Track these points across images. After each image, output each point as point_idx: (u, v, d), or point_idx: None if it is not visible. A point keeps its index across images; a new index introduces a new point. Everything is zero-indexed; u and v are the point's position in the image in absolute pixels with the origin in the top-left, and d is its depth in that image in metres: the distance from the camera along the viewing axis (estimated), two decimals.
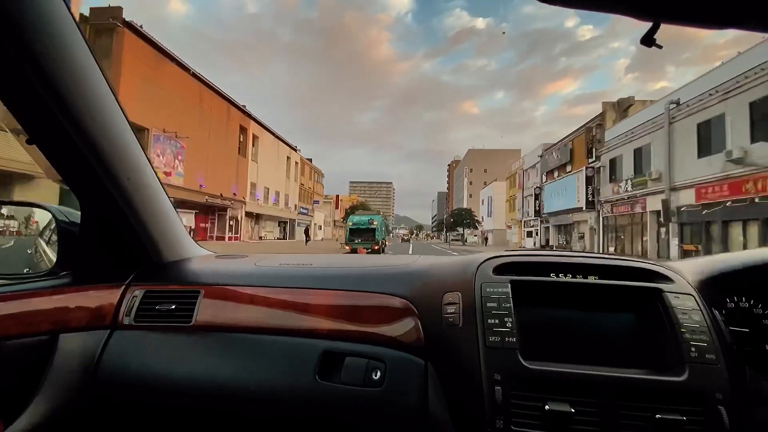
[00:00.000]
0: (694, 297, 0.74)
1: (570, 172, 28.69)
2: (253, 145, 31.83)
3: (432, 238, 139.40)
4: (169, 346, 0.85)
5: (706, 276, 0.79)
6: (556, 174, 31.89)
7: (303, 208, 43.54)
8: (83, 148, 0.76)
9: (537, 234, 35.25)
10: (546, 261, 0.83)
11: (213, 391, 0.79)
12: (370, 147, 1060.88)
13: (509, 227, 46.56)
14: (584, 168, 25.31)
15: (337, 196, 63.53)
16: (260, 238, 32.77)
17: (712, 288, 0.77)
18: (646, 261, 0.85)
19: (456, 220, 53.40)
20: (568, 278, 0.79)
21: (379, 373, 0.77)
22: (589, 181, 24.94)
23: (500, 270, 0.81)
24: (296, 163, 41.50)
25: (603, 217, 24.11)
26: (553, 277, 0.79)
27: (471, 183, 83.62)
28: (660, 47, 0.31)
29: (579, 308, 0.76)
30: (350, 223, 21.85)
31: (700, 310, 0.72)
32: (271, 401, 0.78)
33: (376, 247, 20.40)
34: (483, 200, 64.31)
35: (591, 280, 0.78)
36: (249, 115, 30.99)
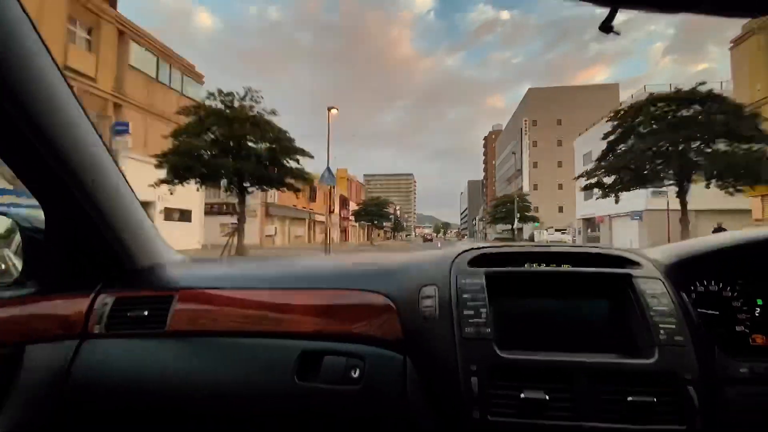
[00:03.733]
0: (662, 281, 0.75)
1: None
2: None
3: (463, 237, 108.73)
4: (142, 353, 0.83)
5: (673, 260, 0.80)
6: None
7: None
8: (42, 149, 0.72)
9: None
10: (520, 251, 0.86)
11: (189, 396, 0.78)
12: (393, 147, 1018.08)
13: None
14: None
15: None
16: None
17: (680, 272, 0.78)
18: (617, 248, 0.87)
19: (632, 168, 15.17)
20: (542, 267, 0.81)
21: (358, 371, 0.76)
22: None
23: (475, 262, 0.82)
24: None
25: None
26: (527, 267, 0.82)
27: (535, 144, 51.22)
28: (618, 33, 0.31)
29: (553, 297, 0.77)
30: None
31: (668, 293, 0.73)
32: (250, 404, 0.77)
33: None
34: (584, 156, 31.95)
35: (564, 268, 0.80)
36: None
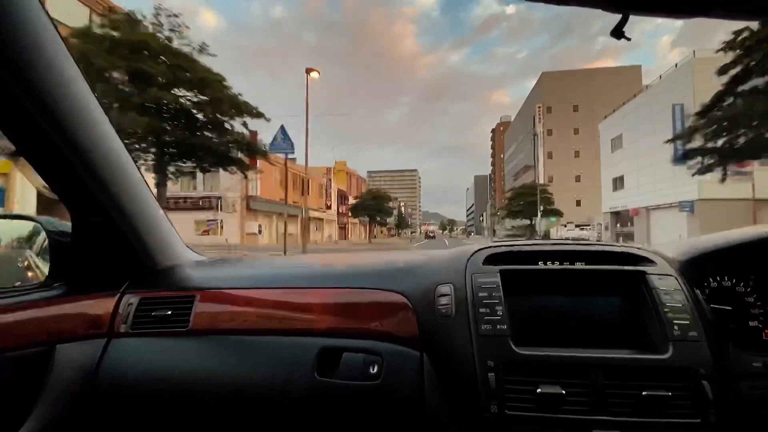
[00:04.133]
0: (675, 278, 0.76)
1: None
2: None
3: (469, 234, 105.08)
4: (167, 351, 0.86)
5: (686, 257, 0.81)
6: None
7: None
8: (70, 156, 0.75)
9: None
10: (534, 250, 0.86)
11: (213, 392, 0.81)
12: (397, 145, 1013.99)
13: None
14: None
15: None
16: None
17: (693, 268, 0.79)
18: (630, 246, 0.88)
19: None
20: (556, 265, 0.82)
21: (376, 367, 0.78)
22: None
23: (490, 260, 0.84)
24: None
25: None
26: (541, 265, 0.82)
27: (550, 132, 47.29)
28: (628, 39, 0.32)
29: (567, 294, 0.79)
30: None
31: (682, 290, 0.74)
32: (271, 400, 0.79)
33: None
34: (612, 140, 27.96)
35: (578, 266, 0.81)
36: None
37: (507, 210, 34.76)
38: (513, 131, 66.12)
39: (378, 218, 40.35)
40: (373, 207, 36.25)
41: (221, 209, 22.45)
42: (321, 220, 35.34)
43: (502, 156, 79.56)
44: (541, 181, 41.26)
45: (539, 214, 27.35)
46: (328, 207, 36.55)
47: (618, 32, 0.32)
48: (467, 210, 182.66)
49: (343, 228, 42.53)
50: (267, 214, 25.20)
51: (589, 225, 31.45)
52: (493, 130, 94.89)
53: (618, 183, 27.20)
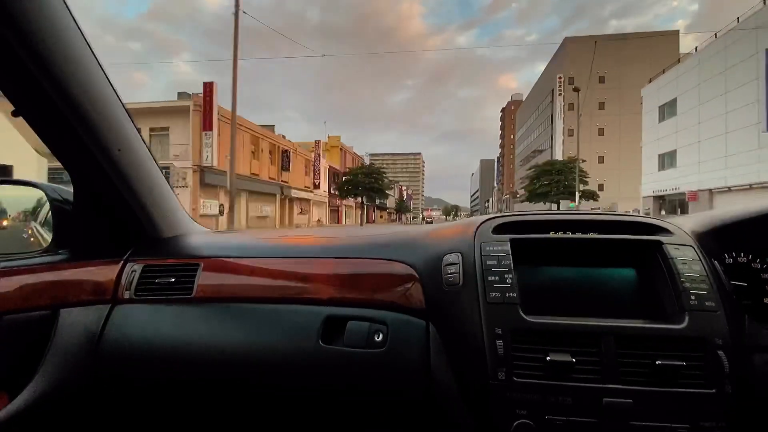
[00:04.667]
0: (693, 248, 0.74)
1: None
2: None
3: None
4: (170, 318, 0.87)
5: (705, 228, 0.79)
6: None
7: None
8: (70, 117, 0.75)
9: None
10: (545, 219, 0.84)
11: (216, 359, 0.82)
12: (401, 129, 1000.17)
13: None
14: None
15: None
16: None
17: (712, 240, 0.78)
18: (646, 216, 0.86)
19: None
20: (568, 235, 0.80)
21: (381, 335, 0.79)
22: None
23: (500, 230, 0.82)
24: None
25: None
26: (552, 235, 0.80)
27: (571, 107, 41.79)
28: None
29: (579, 264, 0.77)
30: None
31: (700, 260, 0.72)
32: (275, 366, 0.80)
33: None
34: (662, 108, 22.70)
35: (591, 235, 0.79)
36: None
37: (529, 191, 29.54)
38: (525, 110, 60.49)
39: (376, 200, 35.54)
40: (365, 185, 31.30)
41: (169, 183, 17.69)
42: (308, 201, 30.56)
43: (512, 137, 73.99)
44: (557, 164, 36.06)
45: (578, 195, 22.19)
46: (317, 186, 31.76)
47: None
48: (471, 195, 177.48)
49: (336, 211, 37.84)
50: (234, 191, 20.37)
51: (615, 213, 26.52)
52: (503, 110, 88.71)
53: (666, 160, 22.20)
